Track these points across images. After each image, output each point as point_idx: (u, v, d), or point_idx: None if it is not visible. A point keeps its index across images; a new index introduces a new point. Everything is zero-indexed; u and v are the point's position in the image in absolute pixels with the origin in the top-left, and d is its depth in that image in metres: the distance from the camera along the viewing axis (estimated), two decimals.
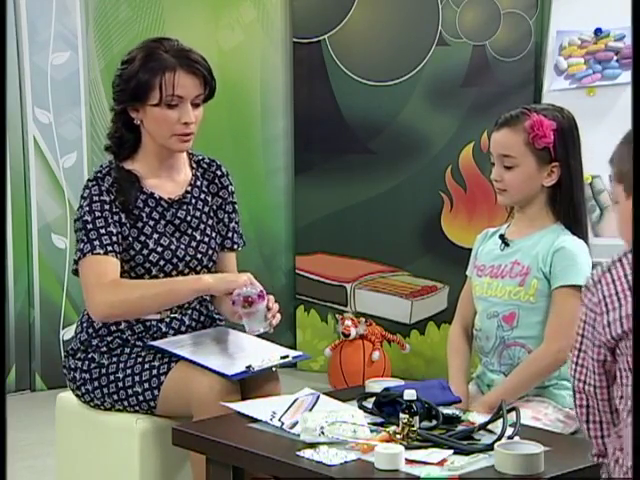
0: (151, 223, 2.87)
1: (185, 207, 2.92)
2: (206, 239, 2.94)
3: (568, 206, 2.72)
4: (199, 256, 2.91)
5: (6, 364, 5.00)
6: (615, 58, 4.33)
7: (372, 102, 5.28)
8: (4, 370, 4.79)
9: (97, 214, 2.81)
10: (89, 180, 2.88)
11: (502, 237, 2.79)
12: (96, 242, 2.78)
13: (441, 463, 2.12)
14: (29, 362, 5.19)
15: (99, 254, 2.77)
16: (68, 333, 5.21)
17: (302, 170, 5.52)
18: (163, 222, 2.89)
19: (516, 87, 4.92)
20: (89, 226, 2.80)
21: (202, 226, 2.94)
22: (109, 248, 2.79)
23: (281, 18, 5.59)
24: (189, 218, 2.92)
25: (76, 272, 2.85)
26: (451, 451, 2.17)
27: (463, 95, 5.08)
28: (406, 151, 5.23)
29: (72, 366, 2.88)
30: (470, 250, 2.93)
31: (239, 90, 5.53)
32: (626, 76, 4.23)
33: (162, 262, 2.86)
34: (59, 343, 5.22)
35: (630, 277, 1.83)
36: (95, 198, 2.83)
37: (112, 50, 5.40)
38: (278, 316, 2.77)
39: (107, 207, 2.82)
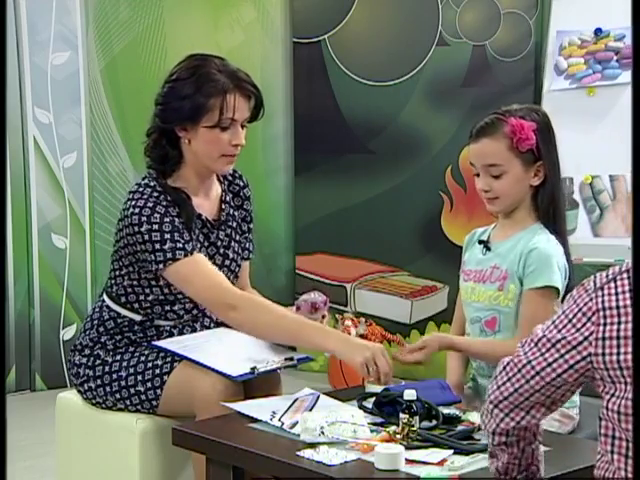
0: (197, 246, 2.79)
1: (223, 227, 2.88)
2: (236, 257, 2.90)
3: (549, 203, 2.67)
4: (229, 274, 2.87)
5: (6, 364, 5.00)
6: (615, 58, 4.33)
7: (372, 102, 5.28)
8: (4, 370, 4.79)
9: (166, 219, 2.68)
10: (135, 192, 2.74)
11: (483, 242, 2.76)
12: (180, 242, 2.67)
13: (441, 463, 2.12)
14: (29, 362, 5.19)
15: (189, 254, 2.67)
16: (68, 333, 5.22)
17: (302, 170, 5.52)
18: (207, 244, 2.83)
19: (516, 87, 4.92)
20: (164, 227, 2.67)
21: (233, 244, 2.90)
22: (192, 246, 2.70)
23: (281, 18, 5.60)
24: (225, 238, 2.88)
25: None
26: (451, 451, 2.17)
27: (463, 95, 5.08)
28: (406, 151, 5.24)
29: (77, 362, 2.86)
30: None
31: None
32: (626, 76, 4.22)
33: None
34: (59, 343, 5.22)
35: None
36: (159, 209, 2.69)
37: (112, 50, 5.41)
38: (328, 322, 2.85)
39: (175, 216, 2.72)
